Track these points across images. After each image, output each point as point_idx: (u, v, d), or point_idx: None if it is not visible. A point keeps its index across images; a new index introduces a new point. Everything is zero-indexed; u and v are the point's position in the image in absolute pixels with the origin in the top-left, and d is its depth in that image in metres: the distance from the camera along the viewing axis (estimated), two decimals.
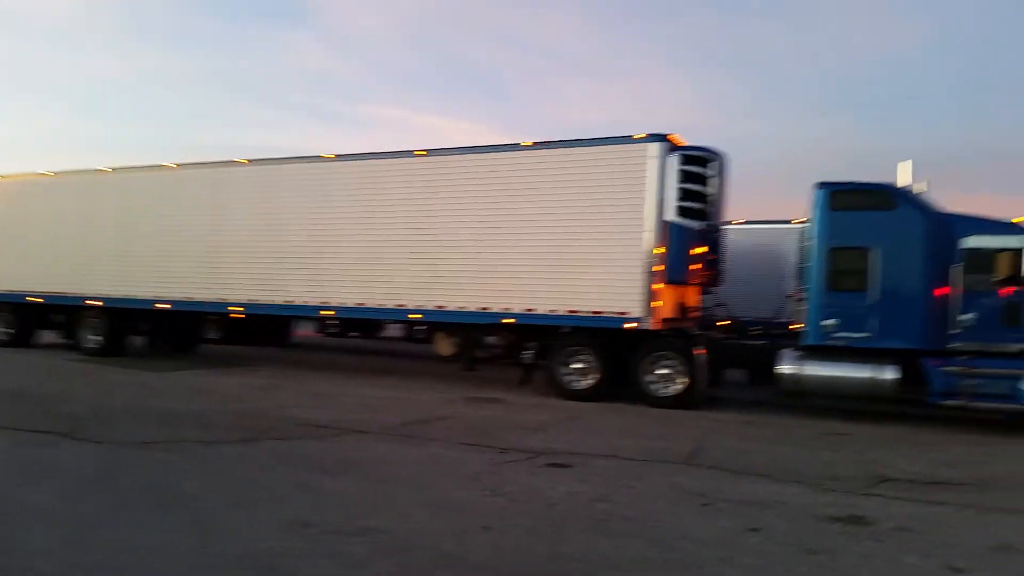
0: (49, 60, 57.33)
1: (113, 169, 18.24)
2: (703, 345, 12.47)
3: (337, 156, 15.56)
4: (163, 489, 6.37)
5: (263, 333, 22.26)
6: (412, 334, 28.02)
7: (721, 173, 13.29)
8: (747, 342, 13.23)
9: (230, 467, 7.27)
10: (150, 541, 5.05)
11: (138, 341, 18.73)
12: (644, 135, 12.57)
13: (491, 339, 14.48)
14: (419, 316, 14.40)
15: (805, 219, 12.68)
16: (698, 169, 12.85)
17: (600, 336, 12.88)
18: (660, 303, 12.40)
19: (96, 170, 18.46)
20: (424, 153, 14.58)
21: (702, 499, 6.65)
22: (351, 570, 4.65)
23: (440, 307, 14.05)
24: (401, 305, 14.48)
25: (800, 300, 14.27)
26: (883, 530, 5.83)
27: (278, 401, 11.70)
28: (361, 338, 29.36)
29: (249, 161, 16.58)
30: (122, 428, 9.06)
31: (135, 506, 5.86)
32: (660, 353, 12.49)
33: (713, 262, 13.50)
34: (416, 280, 14.25)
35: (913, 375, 11.18)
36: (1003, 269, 10.94)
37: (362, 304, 14.87)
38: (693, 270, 12.89)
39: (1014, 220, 11.04)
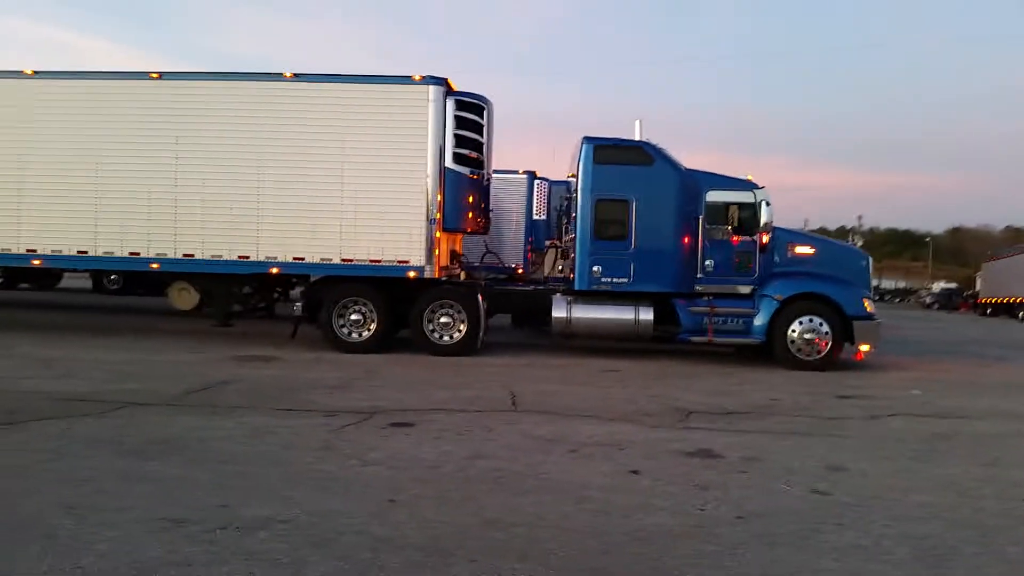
0: None
1: None
2: (481, 292, 12.64)
3: (36, 73, 12.81)
4: None
5: None
6: (107, 285, 24.59)
7: (490, 121, 13.39)
8: (516, 288, 13.70)
9: (14, 460, 5.76)
10: None
11: None
12: (422, 77, 12.17)
13: (247, 290, 13.29)
14: (157, 266, 12.58)
15: (572, 172, 13.37)
16: (472, 116, 12.82)
17: (377, 286, 12.41)
18: (441, 251, 12.29)
19: None
20: (158, 76, 12.60)
21: (563, 445, 6.80)
22: (289, 572, 3.98)
23: (188, 255, 12.42)
24: (135, 253, 12.52)
25: (556, 248, 15.17)
26: (735, 461, 6.47)
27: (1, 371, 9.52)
28: (33, 290, 25.02)
29: None
30: None
31: None
32: (441, 301, 12.42)
33: (483, 210, 13.66)
34: (155, 224, 12.40)
35: (666, 315, 12.49)
36: (737, 220, 12.58)
37: (84, 253, 12.57)
38: (467, 218, 12.93)
39: (748, 177, 12.71)
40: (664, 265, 12.48)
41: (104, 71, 12.72)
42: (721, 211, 12.59)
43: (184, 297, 13.77)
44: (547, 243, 17.92)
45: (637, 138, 13.11)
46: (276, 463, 5.99)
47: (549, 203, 20.02)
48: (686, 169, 12.74)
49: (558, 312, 12.48)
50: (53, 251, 12.59)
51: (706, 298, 12.41)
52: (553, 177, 19.49)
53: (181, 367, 10.50)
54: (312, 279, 13.02)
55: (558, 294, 12.73)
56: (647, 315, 12.33)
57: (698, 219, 12.47)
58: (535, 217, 19.76)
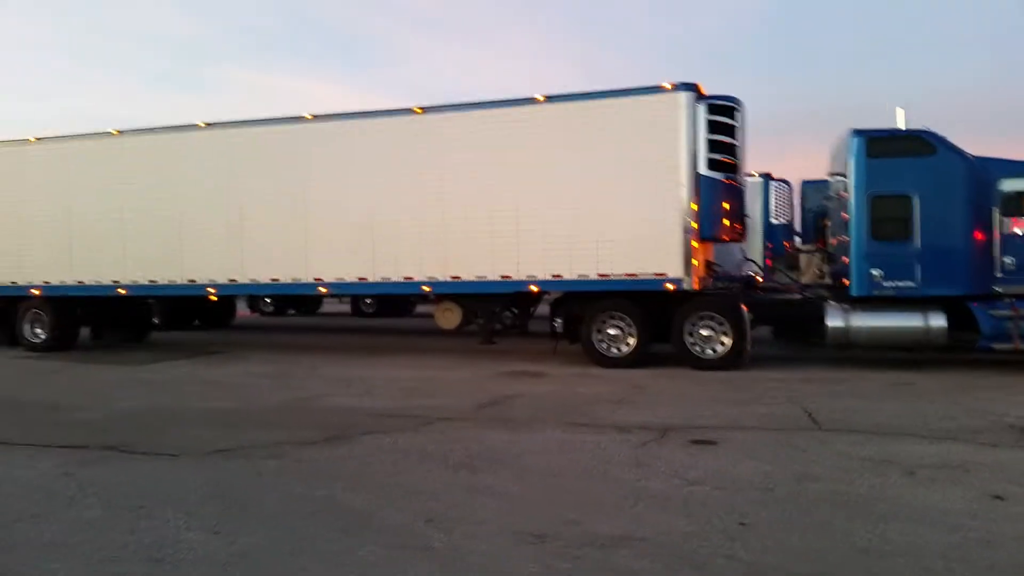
0: None
1: (38, 139, 15.97)
2: (745, 302, 12.13)
3: (315, 116, 14.08)
4: (318, 507, 5.32)
5: (207, 315, 20.55)
6: (364, 308, 26.78)
7: (742, 123, 12.88)
8: (781, 297, 13.02)
9: (359, 472, 6.24)
10: None
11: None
12: (672, 84, 11.97)
13: (508, 308, 13.74)
14: (429, 289, 13.36)
15: (836, 170, 12.56)
16: (725, 119, 12.39)
17: (634, 299, 12.32)
18: (698, 261, 11.96)
19: (17, 141, 16.12)
20: (421, 111, 13.40)
21: (897, 467, 6.20)
22: None
23: (455, 277, 13.07)
24: (408, 277, 13.38)
25: (816, 252, 14.25)
26: None
27: (310, 390, 10.51)
28: (297, 315, 27.73)
29: (206, 124, 14.80)
30: (173, 435, 7.76)
31: (312, 533, 4.82)
32: (702, 313, 12.06)
33: (739, 216, 13.14)
34: (425, 250, 13.16)
35: (959, 321, 11.24)
36: None
37: (363, 279, 13.65)
38: (723, 225, 12.49)
39: None
40: (955, 265, 11.24)
41: (372, 111, 13.69)
42: (1018, 200, 11.16)
43: (448, 316, 14.50)
44: (796, 246, 16.96)
45: (902, 127, 12.03)
46: (600, 479, 6.00)
47: (788, 206, 19.07)
48: (974, 157, 11.43)
49: (834, 321, 11.63)
50: (337, 279, 13.78)
51: (1007, 300, 11.02)
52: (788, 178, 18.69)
53: (462, 383, 11.01)
54: (554, 295, 13.19)
55: (831, 302, 11.90)
56: (939, 321, 11.15)
57: (992, 211, 11.15)
58: (772, 221, 18.82)
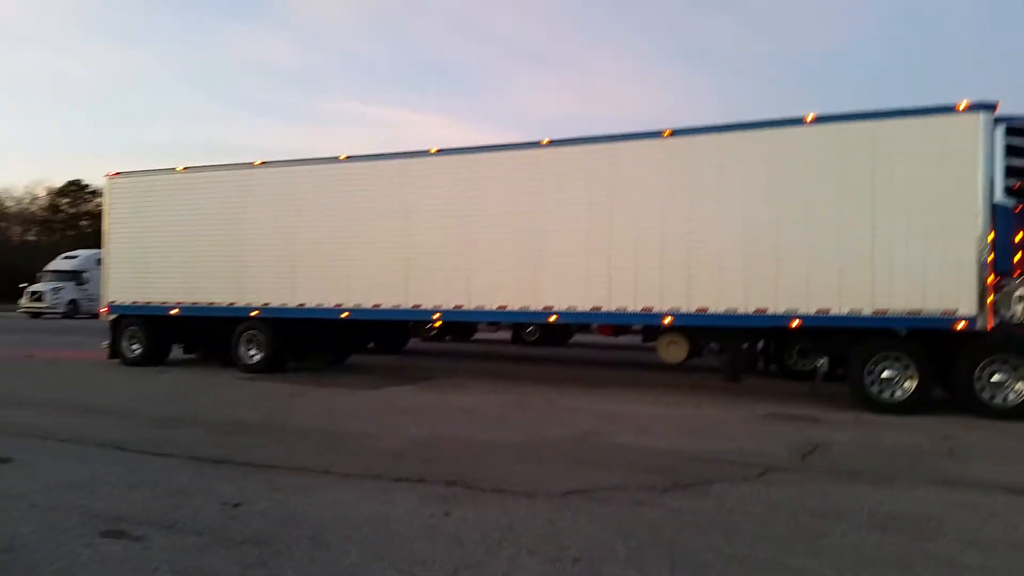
0: None
1: (264, 163, 16.37)
2: None
3: (552, 142, 13.73)
4: (775, 572, 4.65)
5: (384, 340, 20.64)
6: (525, 337, 26.45)
7: None
8: None
9: (774, 532, 5.49)
10: None
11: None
12: (969, 104, 10.89)
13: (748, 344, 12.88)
14: (671, 320, 12.63)
15: None
16: (1020, 142, 11.22)
17: (915, 339, 11.22)
18: (992, 298, 10.77)
19: (242, 165, 16.60)
20: (669, 133, 12.79)
21: None
22: None
23: (701, 309, 12.32)
24: (647, 308, 12.73)
25: None
26: None
27: (579, 426, 9.89)
28: (454, 340, 27.63)
29: (436, 151, 14.70)
30: (501, 470, 7.29)
31: None
32: (993, 356, 10.82)
33: None
34: (668, 279, 12.50)
35: None
36: None
37: (597, 308, 13.09)
38: (1015, 259, 11.25)
39: None
40: None
41: (616, 134, 13.16)
42: None
43: (673, 350, 13.77)
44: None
45: None
46: None
47: None
48: None
49: None
50: (569, 308, 13.28)
51: None
52: None
53: (739, 424, 10.20)
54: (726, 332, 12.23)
55: None
56: None
57: None
58: None
